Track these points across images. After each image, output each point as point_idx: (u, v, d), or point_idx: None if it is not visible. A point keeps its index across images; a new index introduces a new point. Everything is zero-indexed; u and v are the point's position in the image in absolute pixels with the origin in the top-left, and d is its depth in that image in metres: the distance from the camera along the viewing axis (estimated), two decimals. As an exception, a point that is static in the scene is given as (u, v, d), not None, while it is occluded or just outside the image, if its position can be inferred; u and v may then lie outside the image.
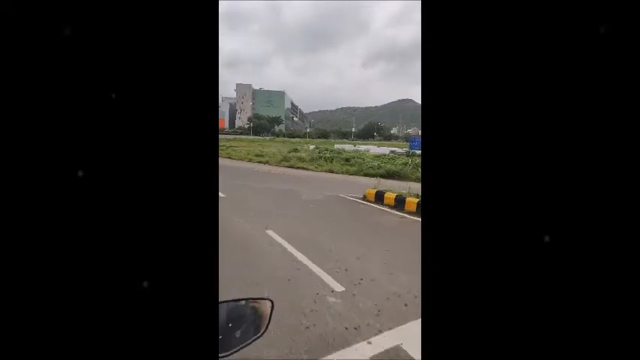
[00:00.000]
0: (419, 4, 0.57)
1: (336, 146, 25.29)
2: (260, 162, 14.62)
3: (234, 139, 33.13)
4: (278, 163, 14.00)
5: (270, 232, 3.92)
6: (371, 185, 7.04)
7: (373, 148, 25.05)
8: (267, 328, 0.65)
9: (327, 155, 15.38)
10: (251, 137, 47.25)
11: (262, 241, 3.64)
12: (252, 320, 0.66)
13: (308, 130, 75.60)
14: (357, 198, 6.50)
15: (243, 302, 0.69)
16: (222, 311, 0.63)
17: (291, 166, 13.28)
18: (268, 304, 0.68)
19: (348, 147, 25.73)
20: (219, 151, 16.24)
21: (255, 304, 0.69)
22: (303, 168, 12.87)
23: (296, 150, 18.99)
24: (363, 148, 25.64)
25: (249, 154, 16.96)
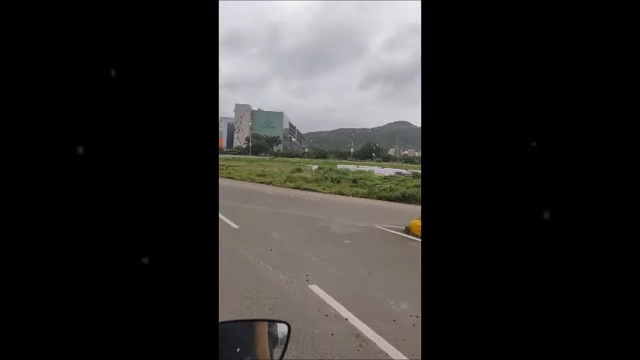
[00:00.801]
0: (413, 30, 0.58)
1: (339, 166, 24.49)
2: (263, 182, 13.53)
3: (233, 159, 32.27)
4: (283, 184, 12.96)
5: (316, 289, 2.72)
6: (399, 212, 5.96)
7: (377, 169, 24.25)
8: (284, 354, 0.60)
9: (334, 176, 14.42)
10: (250, 157, 46.47)
11: (309, 305, 2.45)
12: (265, 345, 0.61)
13: (307, 150, 75.26)
14: (397, 230, 5.35)
15: (259, 323, 0.65)
16: (237, 331, 0.61)
17: (297, 187, 12.26)
18: (285, 327, 0.63)
19: (351, 167, 24.92)
20: (219, 171, 15.31)
21: (272, 327, 0.64)
22: (311, 189, 11.86)
23: (299, 170, 18.16)
24: (366, 169, 24.86)
25: (250, 174, 15.91)
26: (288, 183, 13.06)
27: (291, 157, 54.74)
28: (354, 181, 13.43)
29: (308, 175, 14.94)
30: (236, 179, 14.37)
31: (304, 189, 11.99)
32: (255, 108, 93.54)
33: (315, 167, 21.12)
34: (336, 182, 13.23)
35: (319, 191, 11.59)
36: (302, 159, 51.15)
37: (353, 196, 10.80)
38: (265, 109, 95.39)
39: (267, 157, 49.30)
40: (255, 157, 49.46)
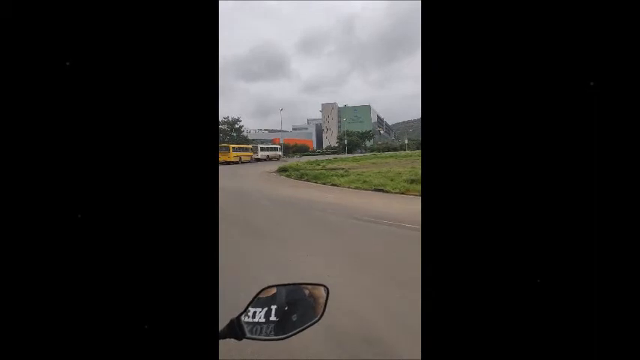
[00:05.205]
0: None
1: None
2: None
3: (335, 159, 28.18)
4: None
5: None
6: None
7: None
8: (323, 313, 0.65)
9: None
10: (348, 156, 42.35)
11: None
12: (309, 305, 0.67)
13: (406, 142, 67.24)
14: None
15: (299, 287, 0.69)
16: (280, 295, 0.65)
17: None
18: (323, 289, 0.68)
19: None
20: (338, 178, 9.97)
21: (311, 290, 0.69)
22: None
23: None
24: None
25: (392, 179, 10.45)
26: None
27: (391, 151, 48.41)
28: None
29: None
30: (389, 192, 8.85)
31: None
32: (340, 105, 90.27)
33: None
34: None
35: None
36: (405, 152, 44.26)
37: None
38: (350, 104, 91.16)
39: (368, 154, 44.28)
40: (352, 155, 45.08)
